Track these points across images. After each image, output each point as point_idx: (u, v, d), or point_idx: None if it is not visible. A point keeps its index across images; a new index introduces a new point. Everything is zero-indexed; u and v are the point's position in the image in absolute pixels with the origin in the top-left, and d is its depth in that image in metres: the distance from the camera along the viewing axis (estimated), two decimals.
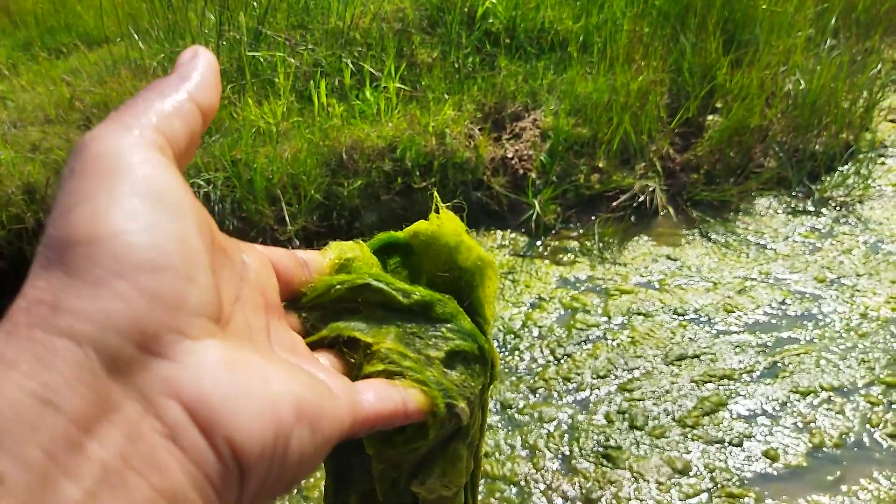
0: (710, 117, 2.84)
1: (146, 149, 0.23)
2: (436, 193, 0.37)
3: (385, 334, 0.33)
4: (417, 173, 2.48)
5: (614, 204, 2.53)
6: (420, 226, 0.35)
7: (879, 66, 3.07)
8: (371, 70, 2.74)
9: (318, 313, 0.33)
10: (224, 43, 2.77)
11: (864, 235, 2.36)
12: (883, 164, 2.79)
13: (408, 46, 2.90)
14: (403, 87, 2.75)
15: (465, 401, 0.33)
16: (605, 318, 2.04)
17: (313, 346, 0.32)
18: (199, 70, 0.27)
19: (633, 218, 2.53)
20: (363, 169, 2.43)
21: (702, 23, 2.93)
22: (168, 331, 0.21)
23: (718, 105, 2.85)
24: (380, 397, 0.30)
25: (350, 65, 2.74)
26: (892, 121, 3.09)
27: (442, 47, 2.90)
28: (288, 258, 0.33)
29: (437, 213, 0.36)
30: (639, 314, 2.05)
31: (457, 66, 2.82)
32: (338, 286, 0.33)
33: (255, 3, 2.88)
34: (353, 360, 0.32)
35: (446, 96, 2.72)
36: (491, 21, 2.94)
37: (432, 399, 0.32)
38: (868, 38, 3.46)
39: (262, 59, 2.76)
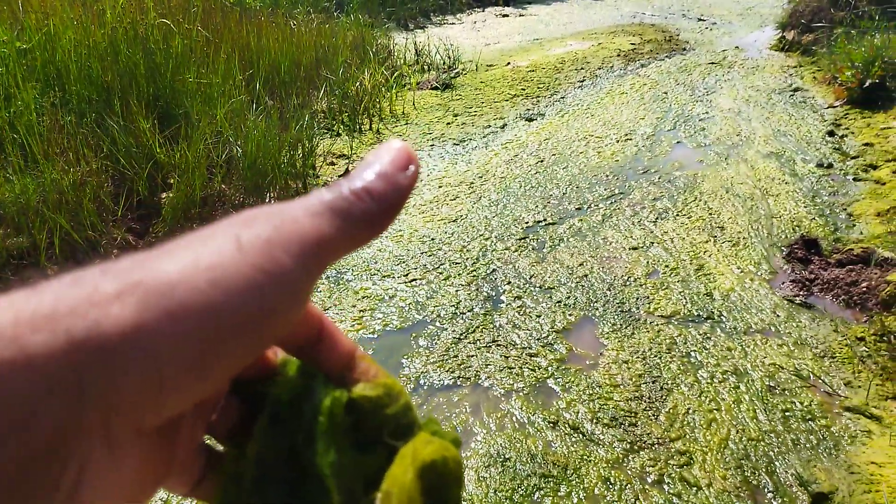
0: (164, 195, 2.81)
1: None
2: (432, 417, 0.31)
3: None
4: None
5: None
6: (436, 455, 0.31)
7: (307, 118, 3.52)
8: None
9: None
10: None
11: None
12: None
13: None
14: None
15: None
16: None
17: None
18: None
19: None
20: None
21: (127, 103, 2.87)
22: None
23: (171, 181, 2.85)
24: None
25: None
26: (331, 163, 3.57)
27: None
28: None
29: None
30: None
31: None
32: None
33: None
34: None
35: None
36: None
37: None
38: (295, 96, 3.93)
39: None
